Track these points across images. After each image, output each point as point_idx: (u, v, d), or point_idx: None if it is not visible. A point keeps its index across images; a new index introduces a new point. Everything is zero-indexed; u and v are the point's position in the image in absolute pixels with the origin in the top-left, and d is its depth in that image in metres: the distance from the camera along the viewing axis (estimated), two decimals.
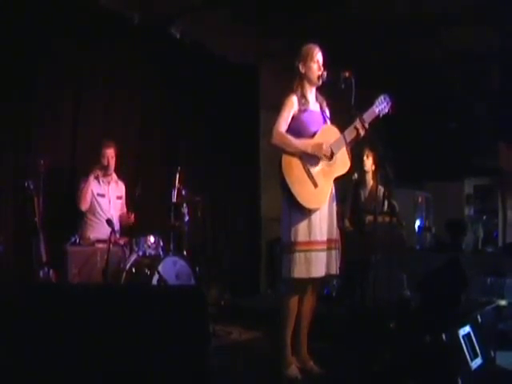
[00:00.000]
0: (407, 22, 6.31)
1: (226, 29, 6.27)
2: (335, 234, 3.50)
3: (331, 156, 3.40)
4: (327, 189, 3.43)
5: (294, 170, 3.34)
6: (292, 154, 3.34)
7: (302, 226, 3.33)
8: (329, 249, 3.42)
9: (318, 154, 3.35)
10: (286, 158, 3.35)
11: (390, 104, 3.56)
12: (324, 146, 3.35)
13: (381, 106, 3.53)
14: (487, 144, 8.87)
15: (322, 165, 3.40)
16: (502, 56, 7.31)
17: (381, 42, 6.84)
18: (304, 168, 3.36)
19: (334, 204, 3.53)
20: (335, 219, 3.52)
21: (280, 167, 3.34)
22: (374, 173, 5.36)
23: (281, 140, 3.36)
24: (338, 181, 3.54)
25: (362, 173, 5.35)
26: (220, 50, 6.44)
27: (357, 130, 3.44)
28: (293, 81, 3.51)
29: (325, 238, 3.40)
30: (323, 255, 3.37)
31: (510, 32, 6.58)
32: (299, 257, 3.31)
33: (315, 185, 3.36)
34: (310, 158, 3.37)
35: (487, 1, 5.79)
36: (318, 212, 3.37)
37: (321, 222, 3.38)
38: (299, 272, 3.31)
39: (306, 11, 6.09)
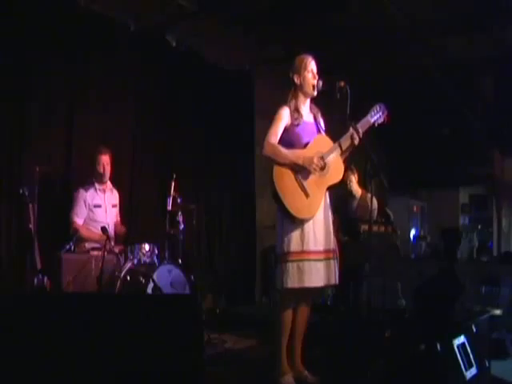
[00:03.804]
0: (403, 31, 6.36)
1: (221, 36, 6.30)
2: (332, 243, 3.47)
3: (323, 167, 3.38)
4: (319, 199, 3.41)
5: (285, 180, 3.33)
6: (283, 165, 3.33)
7: (295, 236, 3.32)
8: (327, 259, 3.40)
9: (308, 167, 3.33)
10: (277, 169, 3.34)
11: (385, 113, 3.52)
12: (315, 160, 3.32)
13: (376, 115, 3.50)
14: (482, 153, 8.92)
15: (313, 175, 3.37)
16: (497, 65, 7.37)
17: (376, 50, 6.88)
18: (295, 178, 3.35)
19: (330, 213, 3.51)
20: (332, 229, 3.50)
21: (271, 178, 3.34)
22: (359, 182, 5.42)
23: (272, 151, 3.36)
24: (333, 190, 3.54)
25: (348, 183, 5.42)
26: (215, 57, 6.45)
27: (351, 139, 3.42)
28: (287, 93, 3.51)
29: (321, 248, 3.37)
30: (320, 265, 3.35)
31: (505, 41, 6.64)
32: (292, 267, 3.29)
33: (307, 195, 3.34)
34: (301, 169, 3.35)
35: (485, 9, 5.84)
36: (311, 222, 3.35)
37: (315, 231, 3.36)
38: (292, 282, 3.29)
39: (303, 19, 6.13)
